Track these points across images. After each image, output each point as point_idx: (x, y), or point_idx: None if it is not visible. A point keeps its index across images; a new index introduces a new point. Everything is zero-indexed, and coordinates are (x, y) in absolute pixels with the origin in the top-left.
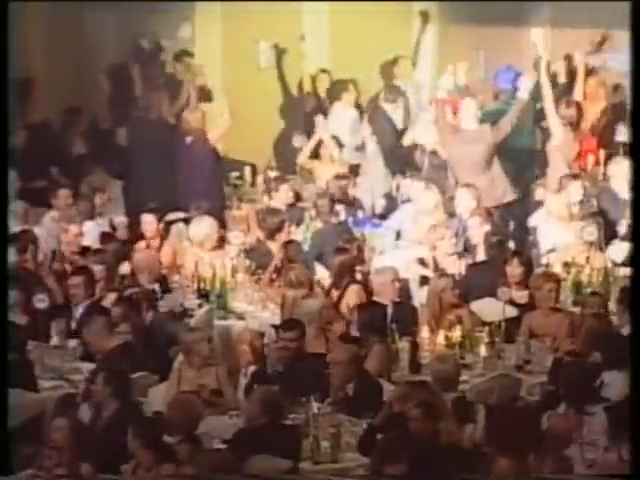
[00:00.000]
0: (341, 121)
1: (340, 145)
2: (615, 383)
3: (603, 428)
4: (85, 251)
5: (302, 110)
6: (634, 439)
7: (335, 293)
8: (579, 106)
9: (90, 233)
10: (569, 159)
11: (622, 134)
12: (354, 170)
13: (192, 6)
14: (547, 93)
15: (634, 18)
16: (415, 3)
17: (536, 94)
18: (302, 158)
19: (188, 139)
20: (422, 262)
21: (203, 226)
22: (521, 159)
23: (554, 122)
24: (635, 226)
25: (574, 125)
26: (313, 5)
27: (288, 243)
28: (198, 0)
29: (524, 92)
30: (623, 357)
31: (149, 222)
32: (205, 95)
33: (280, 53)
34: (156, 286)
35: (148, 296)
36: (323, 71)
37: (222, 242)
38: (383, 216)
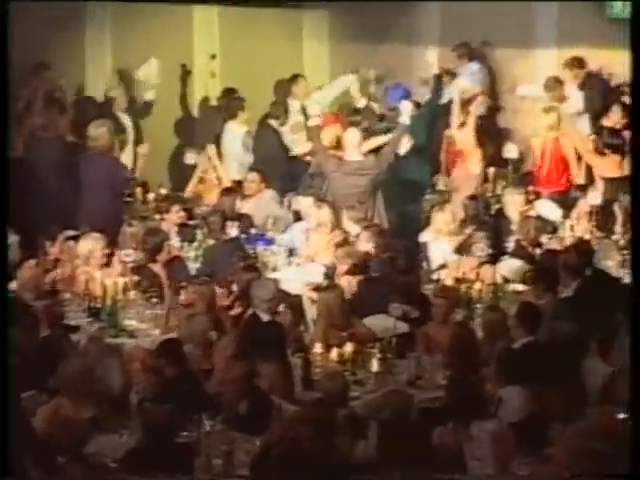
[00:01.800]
0: (235, 139)
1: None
2: (512, 399)
3: (493, 444)
4: None
5: (198, 127)
6: (634, 439)
7: (238, 310)
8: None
9: None
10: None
11: (510, 152)
12: (241, 187)
13: (82, 18)
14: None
15: (634, 18)
16: (306, 16)
17: (433, 108)
18: (190, 188)
19: (90, 154)
20: (315, 278)
21: (87, 243)
22: (415, 173)
23: (475, 153)
24: (635, 233)
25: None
26: (205, 25)
27: (171, 261)
28: None
29: (405, 118)
30: (516, 372)
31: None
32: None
33: (186, 73)
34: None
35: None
36: (230, 90)
37: (111, 259)
38: (275, 233)
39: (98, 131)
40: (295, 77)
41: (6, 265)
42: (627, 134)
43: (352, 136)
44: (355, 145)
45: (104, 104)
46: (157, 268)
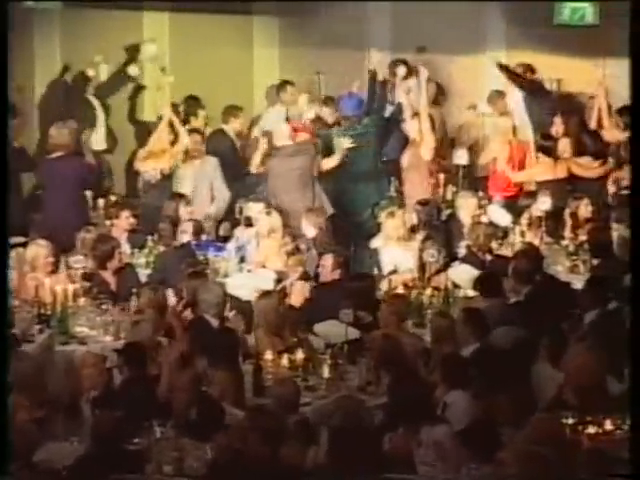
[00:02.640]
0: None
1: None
2: (457, 403)
3: (441, 449)
4: None
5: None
6: (634, 439)
7: (189, 317)
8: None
9: None
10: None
11: (460, 157)
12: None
13: (31, 21)
14: (423, 110)
15: (634, 19)
16: (256, 22)
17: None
18: (147, 148)
19: (53, 156)
20: (266, 284)
21: (32, 250)
22: (365, 180)
23: (428, 140)
24: (634, 235)
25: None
26: (155, 31)
27: (121, 269)
28: None
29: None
30: (464, 377)
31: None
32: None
33: (138, 88)
34: None
35: None
36: (192, 97)
37: (58, 266)
38: (226, 239)
39: (60, 131)
40: (284, 84)
41: (5, 270)
42: (565, 141)
43: (283, 129)
44: (285, 135)
45: (74, 87)
46: (107, 275)
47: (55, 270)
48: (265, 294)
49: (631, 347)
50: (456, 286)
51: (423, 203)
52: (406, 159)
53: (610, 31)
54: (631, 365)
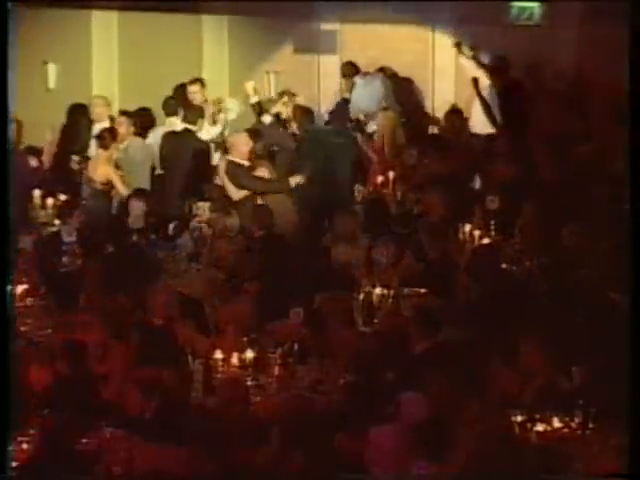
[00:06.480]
0: (136, 150)
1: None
2: (409, 402)
3: (392, 448)
4: None
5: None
6: (634, 439)
7: (138, 317)
8: None
9: None
10: None
11: (411, 157)
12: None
13: None
14: None
15: (634, 18)
16: (205, 21)
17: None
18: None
19: None
20: (217, 283)
21: None
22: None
23: None
24: (634, 236)
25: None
26: (103, 30)
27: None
28: None
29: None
30: (417, 377)
31: None
32: None
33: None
34: None
35: None
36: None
37: None
38: (176, 238)
39: None
40: (195, 81)
41: (5, 269)
42: None
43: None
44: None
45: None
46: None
47: None
48: (239, 292)
49: (631, 347)
50: (407, 285)
51: (372, 201)
52: None
53: (557, 31)
54: (631, 365)
